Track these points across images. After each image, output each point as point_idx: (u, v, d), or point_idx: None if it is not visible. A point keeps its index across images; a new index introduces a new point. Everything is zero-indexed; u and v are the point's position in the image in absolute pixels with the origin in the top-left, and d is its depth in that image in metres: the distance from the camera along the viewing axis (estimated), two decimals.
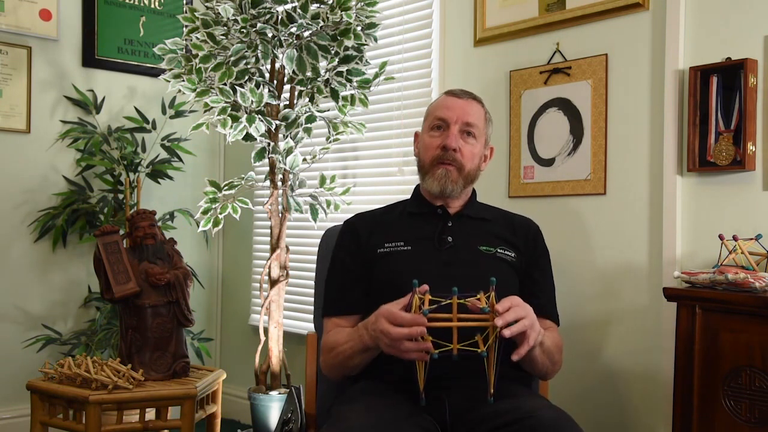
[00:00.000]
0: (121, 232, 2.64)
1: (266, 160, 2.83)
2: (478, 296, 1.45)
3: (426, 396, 1.51)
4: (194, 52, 2.68)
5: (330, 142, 2.87)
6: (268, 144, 2.79)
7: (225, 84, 2.67)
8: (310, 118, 2.81)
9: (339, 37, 2.68)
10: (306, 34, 2.72)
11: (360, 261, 1.79)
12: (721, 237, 1.96)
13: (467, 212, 1.84)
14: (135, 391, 2.32)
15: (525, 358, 1.57)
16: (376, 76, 2.78)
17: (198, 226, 2.92)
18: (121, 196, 3.31)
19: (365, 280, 1.78)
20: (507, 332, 1.41)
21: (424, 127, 1.86)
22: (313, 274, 2.14)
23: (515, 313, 1.44)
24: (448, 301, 1.42)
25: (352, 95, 2.81)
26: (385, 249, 1.77)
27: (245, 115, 2.70)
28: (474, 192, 1.89)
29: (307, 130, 2.84)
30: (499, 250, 1.77)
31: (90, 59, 3.45)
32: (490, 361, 1.44)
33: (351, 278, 1.79)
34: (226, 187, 2.89)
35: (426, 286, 1.46)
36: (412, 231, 1.80)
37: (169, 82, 2.76)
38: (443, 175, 1.76)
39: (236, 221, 3.24)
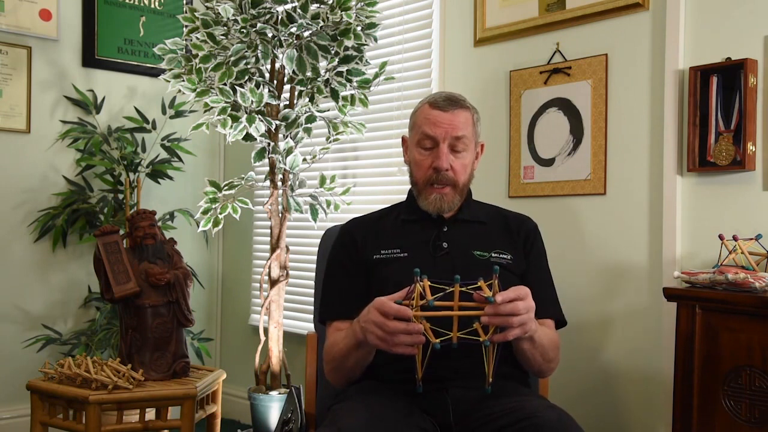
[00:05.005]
0: (121, 232, 2.64)
1: (266, 160, 2.83)
2: (479, 283, 1.44)
3: (423, 384, 1.50)
4: (194, 52, 2.68)
5: (330, 142, 2.87)
6: (268, 144, 2.79)
7: (225, 84, 2.67)
8: (310, 118, 2.81)
9: (339, 37, 2.68)
10: (306, 34, 2.72)
11: (358, 266, 1.79)
12: (721, 237, 1.96)
13: (462, 216, 1.83)
14: (135, 391, 2.32)
15: (516, 350, 1.60)
16: (376, 76, 2.78)
17: (198, 226, 2.92)
18: (121, 196, 3.31)
19: (364, 284, 1.77)
20: (485, 319, 1.41)
21: (412, 139, 1.82)
22: (313, 274, 2.14)
23: (513, 306, 1.42)
24: (450, 290, 1.41)
25: (352, 95, 2.81)
26: (381, 255, 1.76)
27: (245, 115, 2.70)
28: (469, 192, 1.88)
29: (307, 130, 2.84)
30: (493, 255, 1.76)
31: (90, 59, 3.45)
32: (490, 350, 1.43)
33: (351, 282, 1.78)
34: (226, 187, 2.89)
35: (426, 280, 1.46)
36: (408, 237, 1.79)
37: (169, 82, 2.76)
38: (438, 200, 1.76)
39: (236, 221, 3.24)
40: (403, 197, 1.95)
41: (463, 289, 1.42)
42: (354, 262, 1.80)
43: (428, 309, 1.40)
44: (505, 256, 1.77)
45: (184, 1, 3.73)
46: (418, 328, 1.40)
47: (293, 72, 2.69)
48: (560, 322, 1.82)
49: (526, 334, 1.49)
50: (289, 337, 3.24)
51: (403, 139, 1.89)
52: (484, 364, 1.46)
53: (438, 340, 1.39)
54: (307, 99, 2.77)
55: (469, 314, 1.41)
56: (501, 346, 1.45)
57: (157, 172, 3.38)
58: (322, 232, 2.13)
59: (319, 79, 2.72)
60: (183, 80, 2.71)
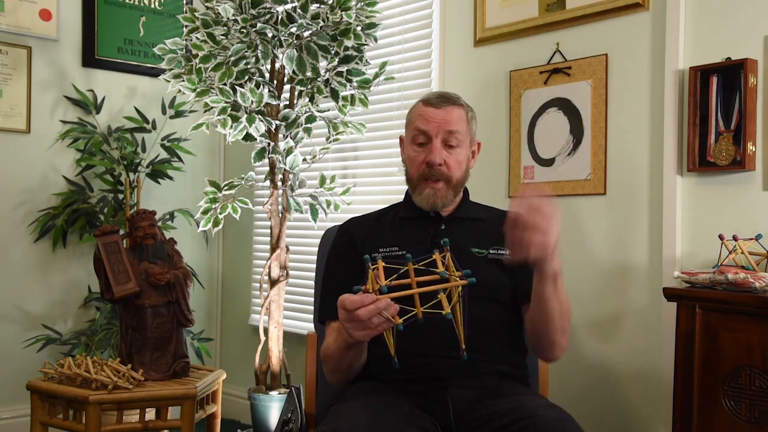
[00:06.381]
0: (121, 232, 2.64)
1: (266, 160, 2.83)
2: (434, 257, 1.43)
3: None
4: (194, 52, 2.68)
5: (330, 142, 2.87)
6: (268, 144, 2.79)
7: (225, 84, 2.67)
8: (310, 118, 2.81)
9: (339, 37, 2.68)
10: (306, 34, 2.72)
11: (356, 265, 1.78)
12: (721, 237, 1.96)
13: (460, 214, 1.83)
14: (135, 391, 2.32)
15: (538, 301, 1.56)
16: (376, 76, 2.78)
17: (198, 226, 2.92)
18: (121, 196, 3.31)
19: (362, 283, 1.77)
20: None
21: (407, 137, 1.83)
22: (313, 274, 2.14)
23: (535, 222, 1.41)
24: (405, 269, 1.40)
25: (352, 95, 2.81)
26: (379, 254, 1.76)
27: (245, 115, 2.70)
28: (466, 191, 1.88)
29: (307, 130, 2.84)
30: (491, 251, 1.75)
31: (90, 59, 3.45)
32: (456, 319, 1.41)
33: (349, 281, 1.77)
34: (226, 187, 2.89)
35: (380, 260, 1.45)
36: (406, 236, 1.79)
37: (169, 82, 2.76)
38: (431, 195, 1.76)
39: (236, 221, 3.24)
40: (403, 197, 1.95)
41: (417, 266, 1.41)
42: (352, 261, 1.80)
43: (389, 290, 1.39)
44: (503, 252, 1.77)
45: (184, 1, 3.73)
46: (385, 302, 1.38)
47: (293, 72, 2.69)
48: None
49: (548, 258, 1.47)
50: (289, 337, 3.24)
51: (401, 138, 1.90)
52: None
53: (401, 320, 1.37)
54: (307, 99, 2.77)
55: (429, 289, 1.38)
56: (469, 313, 1.43)
57: (157, 172, 3.38)
58: (322, 232, 2.13)
59: (319, 79, 2.72)
60: (183, 80, 2.71)
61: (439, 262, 1.42)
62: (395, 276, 1.41)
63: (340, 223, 1.95)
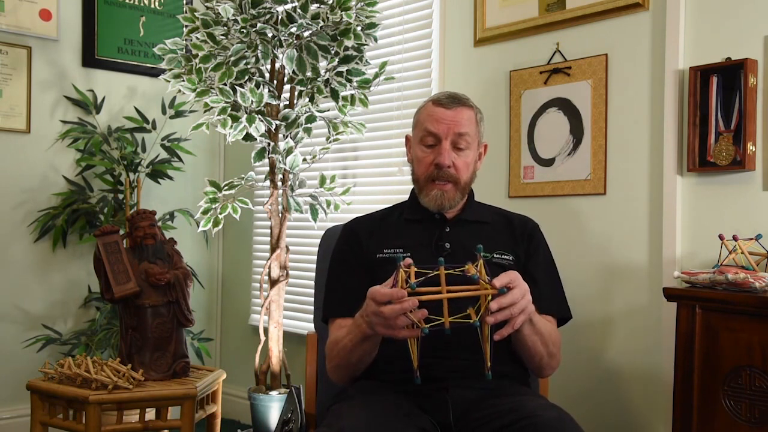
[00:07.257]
0: (121, 232, 2.64)
1: (266, 160, 2.83)
2: (466, 267, 1.43)
3: (423, 383, 1.49)
4: (194, 52, 2.68)
5: (330, 142, 2.87)
6: (268, 144, 2.79)
7: (225, 84, 2.67)
8: (310, 118, 2.81)
9: (339, 37, 2.68)
10: (306, 34, 2.72)
11: (362, 264, 1.79)
12: (721, 237, 1.96)
13: (465, 216, 1.83)
14: (135, 391, 2.32)
15: (516, 339, 1.59)
16: (376, 76, 2.78)
17: (198, 226, 2.92)
18: (121, 196, 3.31)
19: (367, 283, 1.77)
20: (491, 319, 1.39)
21: (415, 136, 1.83)
22: (313, 274, 2.14)
23: (512, 296, 1.42)
24: (435, 273, 1.39)
25: (352, 95, 2.81)
26: (384, 255, 1.76)
27: (245, 115, 2.70)
28: (472, 193, 1.88)
29: (307, 130, 2.84)
30: (495, 256, 1.75)
31: (90, 59, 3.45)
32: (483, 332, 1.41)
33: (354, 280, 1.77)
34: (226, 187, 2.89)
35: (410, 260, 1.44)
36: (411, 237, 1.79)
37: (169, 82, 2.76)
38: (439, 196, 1.76)
39: (236, 221, 3.24)
40: (403, 197, 1.95)
41: (449, 271, 1.40)
42: (357, 260, 1.80)
43: (416, 292, 1.39)
44: (507, 257, 1.77)
45: (184, 1, 3.73)
46: (411, 303, 1.38)
47: (293, 72, 2.69)
48: (565, 319, 1.82)
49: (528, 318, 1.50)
50: (289, 337, 3.24)
51: (407, 138, 1.89)
52: (484, 363, 1.45)
53: (427, 326, 1.37)
54: (307, 99, 2.77)
55: (459, 295, 1.38)
56: (495, 332, 1.44)
57: (157, 172, 3.39)
58: (322, 232, 2.13)
59: (319, 79, 2.72)
60: (183, 80, 2.71)
61: (473, 271, 1.42)
62: (423, 278, 1.41)
63: (344, 223, 1.95)
